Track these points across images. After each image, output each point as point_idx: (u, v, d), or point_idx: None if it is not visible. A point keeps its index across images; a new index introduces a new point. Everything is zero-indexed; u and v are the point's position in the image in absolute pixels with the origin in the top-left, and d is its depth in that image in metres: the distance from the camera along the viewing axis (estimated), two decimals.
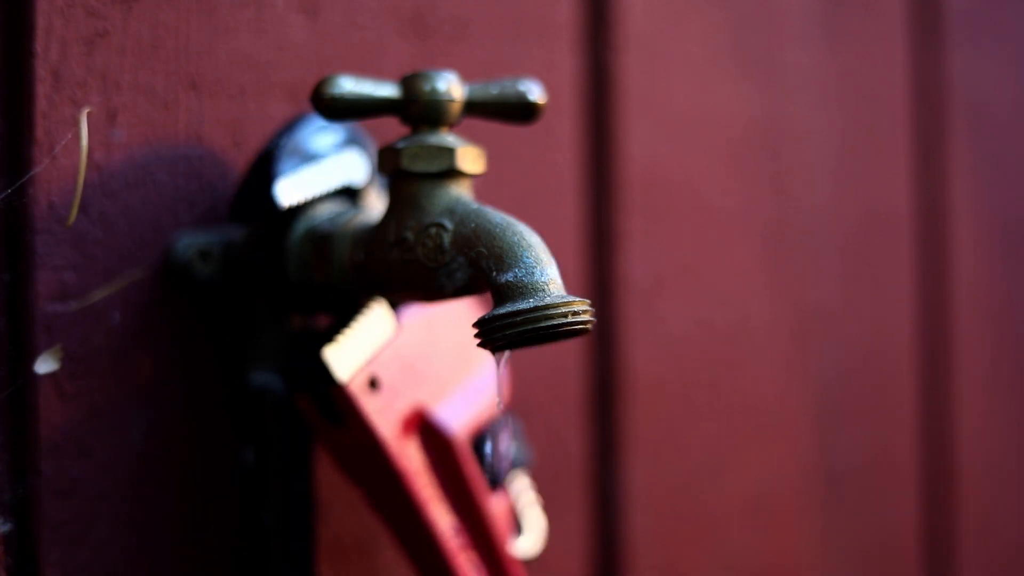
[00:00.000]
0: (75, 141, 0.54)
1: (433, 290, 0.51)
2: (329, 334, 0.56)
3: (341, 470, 0.60)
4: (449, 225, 0.51)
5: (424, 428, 0.59)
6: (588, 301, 0.48)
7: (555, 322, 0.47)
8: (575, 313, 0.47)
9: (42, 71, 0.53)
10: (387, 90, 0.52)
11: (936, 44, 1.07)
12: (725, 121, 0.89)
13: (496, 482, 0.62)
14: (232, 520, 0.59)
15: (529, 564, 0.65)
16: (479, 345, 0.48)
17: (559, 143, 0.78)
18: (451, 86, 0.52)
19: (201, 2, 0.59)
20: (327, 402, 0.56)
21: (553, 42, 0.77)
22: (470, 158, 0.53)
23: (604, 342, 0.81)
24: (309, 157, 0.57)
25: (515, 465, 0.63)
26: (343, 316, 0.57)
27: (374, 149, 0.60)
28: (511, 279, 0.48)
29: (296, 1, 0.63)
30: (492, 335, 0.47)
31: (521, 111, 0.54)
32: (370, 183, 0.60)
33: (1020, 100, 1.16)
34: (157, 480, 0.57)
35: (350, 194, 0.59)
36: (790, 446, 0.94)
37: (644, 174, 0.83)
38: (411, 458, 0.58)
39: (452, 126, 0.53)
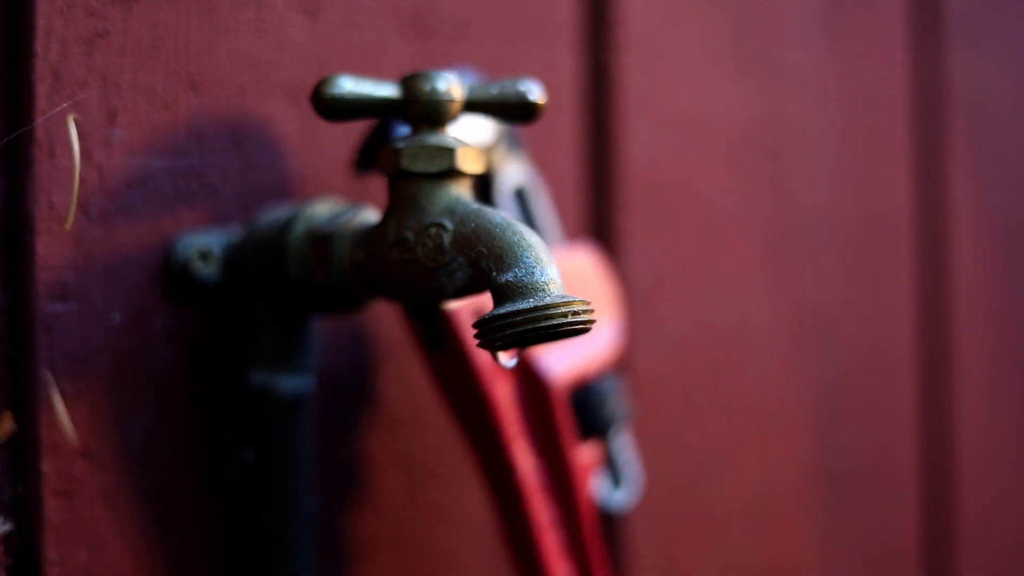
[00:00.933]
0: (79, 142, 0.54)
1: (433, 290, 0.51)
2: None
3: (440, 393, 0.62)
4: (449, 225, 0.51)
5: (524, 370, 0.61)
6: (588, 301, 0.48)
7: (555, 322, 0.47)
8: (575, 313, 0.47)
9: (42, 71, 0.53)
10: (387, 90, 0.52)
11: (936, 44, 1.07)
12: (725, 121, 0.89)
13: (589, 435, 0.64)
14: (232, 520, 0.59)
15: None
16: (479, 345, 0.48)
17: (559, 143, 0.78)
18: (451, 86, 0.52)
19: (201, 2, 0.59)
20: (433, 327, 0.58)
21: (553, 42, 0.77)
22: (470, 158, 0.53)
23: None
24: None
25: (613, 422, 0.65)
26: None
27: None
28: (511, 279, 0.48)
29: (296, 1, 0.63)
30: (492, 335, 0.47)
31: (521, 111, 0.54)
32: (497, 142, 0.60)
33: (1020, 100, 1.16)
34: (157, 480, 0.57)
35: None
36: (790, 446, 0.94)
37: (644, 174, 0.83)
38: (504, 393, 0.60)
39: (451, 126, 0.53)
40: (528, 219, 0.67)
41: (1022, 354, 1.18)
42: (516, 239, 0.49)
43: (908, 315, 1.05)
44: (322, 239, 0.55)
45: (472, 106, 0.54)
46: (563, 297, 0.47)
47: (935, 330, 1.08)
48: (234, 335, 0.59)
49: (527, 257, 0.48)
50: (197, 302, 0.58)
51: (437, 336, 0.58)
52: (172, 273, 0.57)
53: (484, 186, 0.63)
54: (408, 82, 0.52)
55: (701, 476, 0.87)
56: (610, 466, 0.68)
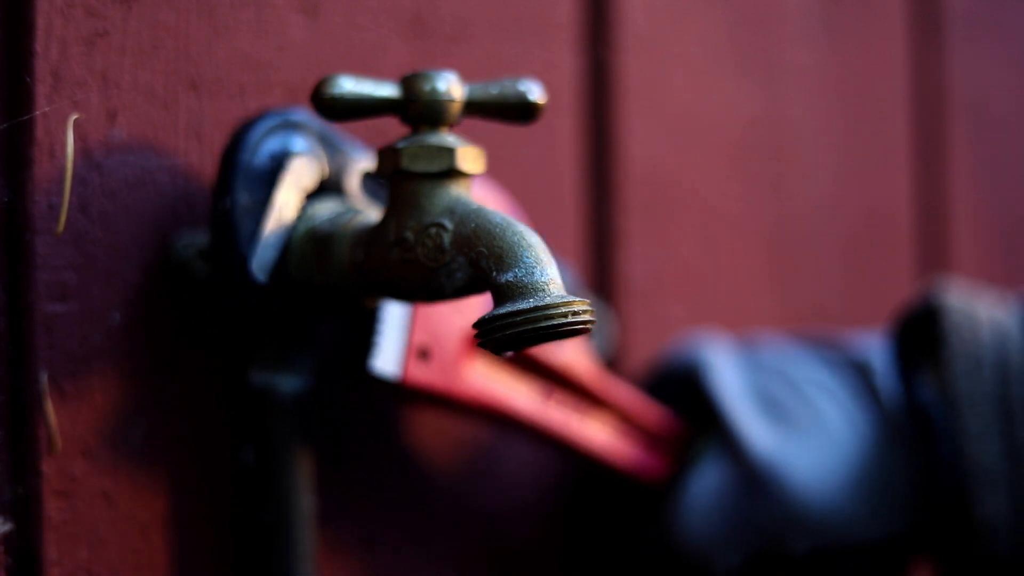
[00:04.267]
0: (76, 144, 0.54)
1: (433, 290, 0.51)
2: (365, 341, 0.59)
3: (438, 410, 0.66)
4: (449, 225, 0.51)
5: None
6: (588, 301, 0.48)
7: (555, 322, 0.47)
8: (575, 313, 0.47)
9: (42, 71, 0.53)
10: (387, 90, 0.52)
11: (936, 44, 1.07)
12: (725, 121, 0.89)
13: None
14: (232, 520, 0.59)
15: None
16: (479, 345, 0.48)
17: (559, 143, 0.78)
18: (451, 86, 0.52)
19: (201, 2, 0.59)
20: (394, 389, 0.60)
21: (553, 42, 0.77)
22: (470, 158, 0.53)
23: None
24: (260, 201, 0.55)
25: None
26: (362, 316, 0.59)
27: (317, 124, 0.59)
28: (511, 279, 0.48)
29: (296, 1, 0.63)
30: (492, 335, 0.47)
31: (521, 111, 0.54)
32: (325, 164, 0.58)
33: (1020, 100, 1.16)
34: (157, 480, 0.57)
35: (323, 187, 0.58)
36: None
37: (644, 174, 0.83)
38: (478, 379, 0.63)
39: (452, 126, 0.53)
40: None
41: None
42: (516, 239, 0.49)
43: None
44: (322, 239, 0.55)
45: (472, 106, 0.54)
46: (563, 297, 0.47)
47: None
48: (234, 335, 0.59)
49: (527, 257, 0.48)
50: (197, 302, 0.58)
51: (400, 391, 0.61)
52: (172, 273, 0.57)
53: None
54: (408, 82, 0.52)
55: None
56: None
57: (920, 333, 0.69)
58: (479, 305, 0.63)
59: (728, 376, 0.72)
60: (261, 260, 0.55)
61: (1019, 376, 0.65)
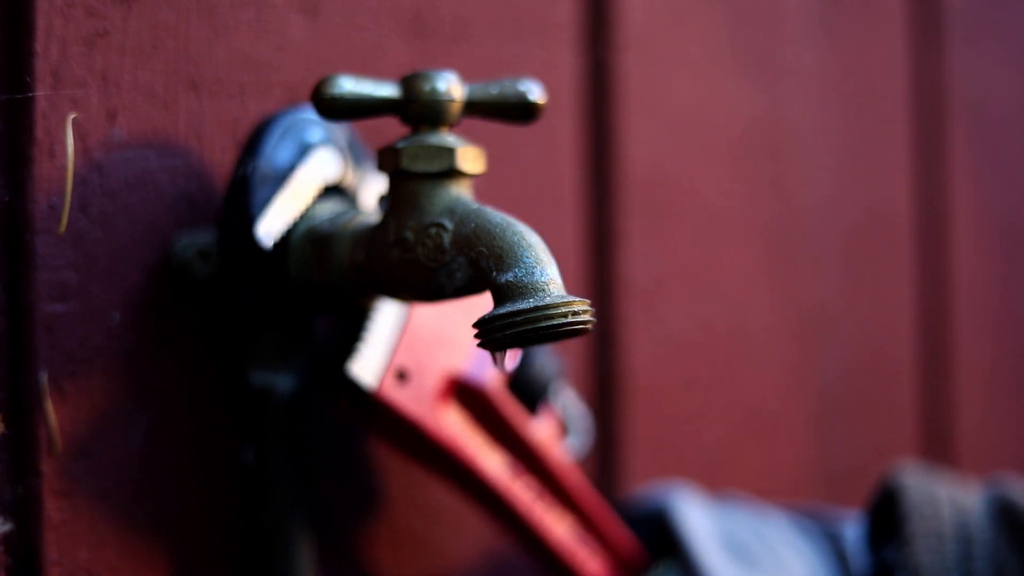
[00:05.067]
0: (76, 145, 0.54)
1: (433, 290, 0.51)
2: (349, 343, 0.58)
3: (394, 448, 0.64)
4: (449, 225, 0.51)
5: (459, 389, 0.62)
6: (588, 301, 0.48)
7: (555, 322, 0.47)
8: (575, 313, 0.47)
9: (42, 71, 0.53)
10: (387, 90, 0.52)
11: (936, 44, 1.07)
12: (725, 121, 0.89)
13: (537, 405, 0.65)
14: (232, 520, 0.59)
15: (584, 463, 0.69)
16: (479, 345, 0.48)
17: (559, 143, 0.78)
18: (451, 86, 0.52)
19: (201, 2, 0.59)
20: (364, 402, 0.59)
21: (553, 42, 0.77)
22: (470, 158, 0.53)
23: (604, 342, 0.81)
24: (280, 175, 0.56)
25: (549, 382, 0.66)
26: (354, 320, 0.59)
27: (346, 135, 0.60)
28: (511, 279, 0.48)
29: (296, 1, 0.63)
30: (492, 335, 0.47)
31: (521, 111, 0.54)
32: (354, 170, 0.59)
33: (1020, 100, 1.16)
34: (157, 480, 0.57)
35: (337, 190, 0.59)
36: (790, 446, 0.94)
37: (644, 174, 0.83)
38: (451, 425, 0.61)
39: (452, 126, 0.53)
40: None
41: (1022, 354, 1.18)
42: (516, 239, 0.49)
43: (908, 315, 1.05)
44: (322, 239, 0.55)
45: (472, 106, 0.54)
46: (563, 297, 0.47)
47: (935, 330, 1.08)
48: (234, 335, 0.59)
49: (527, 257, 0.48)
50: (197, 302, 0.58)
51: (371, 408, 0.59)
52: (172, 273, 0.57)
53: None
54: (408, 82, 0.52)
55: (701, 476, 0.87)
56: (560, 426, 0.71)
57: (887, 510, 0.72)
58: (469, 350, 0.62)
59: (697, 516, 0.72)
60: (268, 226, 0.55)
61: (982, 552, 0.67)
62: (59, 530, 0.54)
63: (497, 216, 0.50)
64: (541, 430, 0.65)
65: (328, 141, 0.58)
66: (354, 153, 0.60)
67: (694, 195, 0.86)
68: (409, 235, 0.52)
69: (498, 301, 0.48)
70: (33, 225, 0.53)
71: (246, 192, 0.55)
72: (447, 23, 0.70)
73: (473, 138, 0.55)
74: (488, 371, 0.62)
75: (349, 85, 0.52)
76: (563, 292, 0.48)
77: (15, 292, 0.53)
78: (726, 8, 0.89)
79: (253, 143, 0.56)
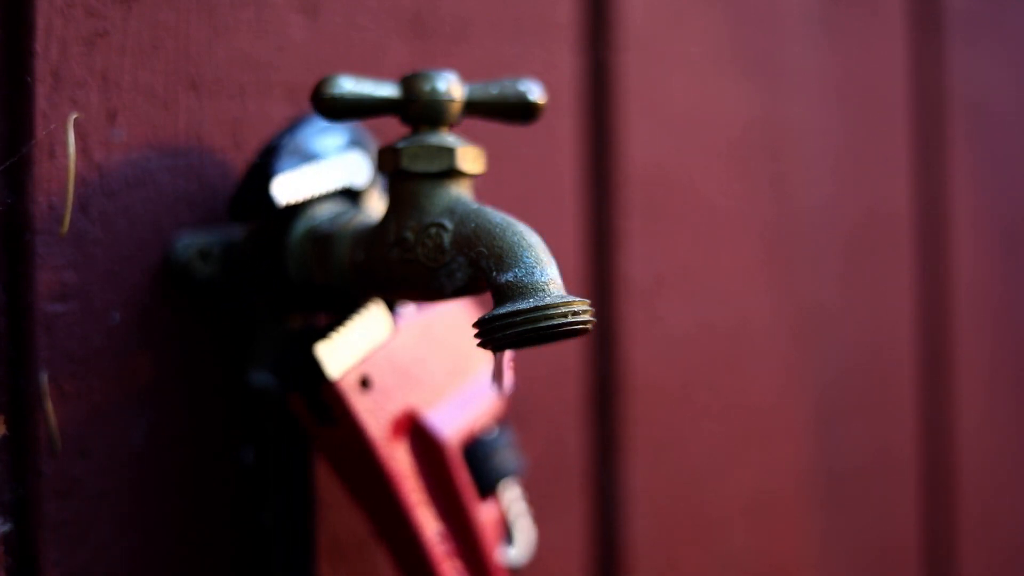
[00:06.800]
0: (76, 144, 0.54)
1: (433, 290, 0.51)
2: (324, 331, 0.56)
3: (333, 471, 0.59)
4: (449, 225, 0.51)
5: (415, 432, 0.59)
6: (588, 301, 0.48)
7: (555, 322, 0.47)
8: (575, 313, 0.47)
9: (42, 71, 0.53)
10: (387, 90, 0.52)
11: (936, 44, 1.07)
12: (725, 121, 0.89)
13: (487, 490, 0.61)
14: (232, 520, 0.59)
15: (521, 572, 0.65)
16: (479, 345, 0.48)
17: (559, 143, 0.78)
18: (451, 86, 0.52)
19: (201, 2, 0.59)
20: (318, 400, 0.56)
21: (553, 42, 0.77)
22: (470, 158, 0.53)
23: (604, 342, 0.81)
24: (310, 157, 0.57)
25: (507, 474, 0.62)
26: (342, 316, 0.57)
27: (376, 151, 0.60)
28: (511, 279, 0.48)
29: (296, 1, 0.63)
30: (492, 335, 0.47)
31: (521, 111, 0.54)
32: (372, 185, 0.60)
33: (1020, 100, 1.16)
34: (157, 480, 0.57)
35: (351, 195, 0.59)
36: (790, 446, 0.94)
37: (644, 174, 0.83)
38: (399, 460, 0.57)
39: (452, 126, 0.53)
40: None
41: (1022, 354, 1.18)
42: (516, 239, 0.49)
43: (908, 315, 1.05)
44: (322, 239, 0.55)
45: (472, 106, 0.54)
46: (563, 297, 0.47)
47: (935, 330, 1.08)
48: (234, 335, 0.59)
49: (527, 257, 0.48)
50: (197, 302, 0.58)
51: (324, 409, 0.56)
52: (172, 273, 0.57)
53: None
54: (408, 82, 0.52)
55: (701, 476, 0.87)
56: (503, 523, 0.65)
57: None
58: (437, 399, 0.59)
59: None
60: (284, 185, 0.55)
61: None
62: (59, 530, 0.54)
63: (497, 216, 0.50)
64: (486, 513, 0.61)
65: (366, 149, 0.59)
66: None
67: (694, 195, 0.86)
68: (409, 235, 0.52)
69: (498, 301, 0.48)
70: (33, 225, 0.53)
71: (273, 155, 0.56)
72: (447, 23, 0.70)
73: (473, 138, 0.55)
74: (450, 429, 0.59)
75: (349, 85, 0.52)
76: (563, 292, 0.48)
77: (15, 292, 0.53)
78: (726, 8, 0.89)
79: (293, 125, 0.57)
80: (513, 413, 0.71)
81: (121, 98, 0.56)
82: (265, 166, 0.56)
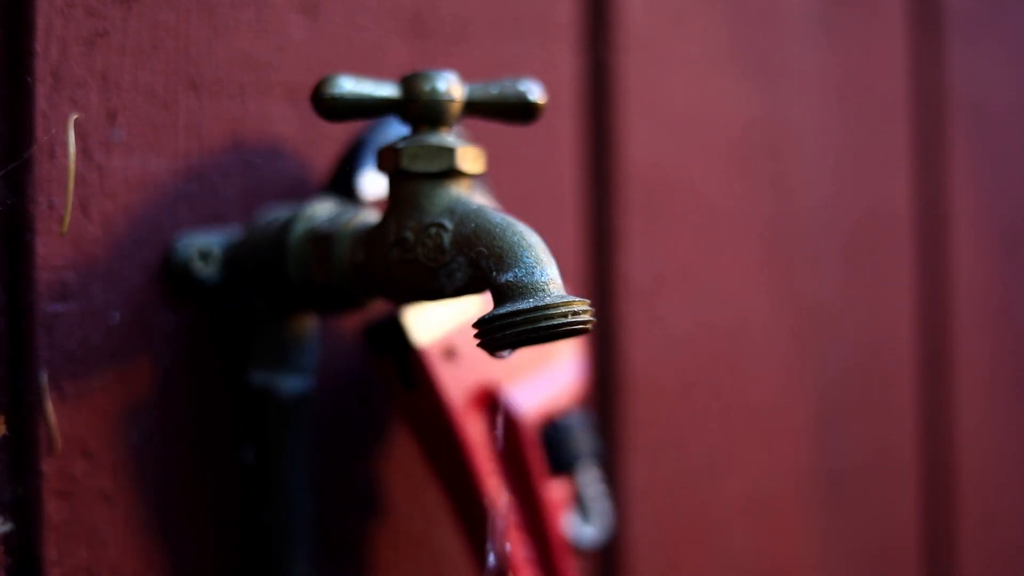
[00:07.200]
0: (77, 144, 0.54)
1: (433, 290, 0.51)
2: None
3: (411, 436, 0.62)
4: (449, 225, 0.51)
5: (494, 406, 0.61)
6: (588, 301, 0.48)
7: (555, 322, 0.47)
8: (575, 313, 0.47)
9: (42, 71, 0.53)
10: (387, 90, 0.52)
11: (936, 44, 1.07)
12: (725, 121, 0.89)
13: (561, 470, 0.64)
14: (232, 520, 0.59)
15: (593, 554, 0.66)
16: (479, 345, 0.48)
17: (559, 143, 0.78)
18: (451, 86, 0.52)
19: (201, 2, 0.59)
20: (405, 365, 0.58)
21: (553, 42, 0.77)
22: (470, 158, 0.53)
23: (604, 342, 0.81)
24: None
25: (583, 456, 0.64)
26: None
27: None
28: (511, 279, 0.48)
29: (296, 1, 0.63)
30: (492, 335, 0.47)
31: (521, 111, 0.54)
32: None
33: (1020, 100, 1.16)
34: (157, 480, 0.57)
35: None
36: (790, 446, 0.94)
37: (644, 174, 0.83)
38: (475, 430, 0.60)
39: (452, 126, 0.53)
40: None
41: (1022, 354, 1.18)
42: (516, 239, 0.49)
43: (908, 315, 1.05)
44: (322, 239, 0.55)
45: (472, 106, 0.54)
46: (563, 297, 0.47)
47: (935, 330, 1.08)
48: (234, 335, 0.59)
49: (527, 257, 0.48)
50: (197, 302, 0.58)
51: (408, 374, 0.59)
52: (172, 273, 0.57)
53: None
54: (408, 82, 0.52)
55: (701, 476, 0.87)
56: (579, 502, 0.67)
57: None
58: (521, 378, 0.61)
59: None
60: (372, 183, 0.59)
61: None
62: (59, 530, 0.54)
63: (497, 216, 0.50)
64: (555, 491, 0.64)
65: None
66: None
67: (694, 195, 0.86)
68: (409, 235, 0.52)
69: (498, 301, 0.48)
70: (33, 225, 0.53)
71: (360, 149, 0.59)
72: (447, 23, 0.70)
73: (473, 138, 0.55)
74: (528, 406, 0.62)
75: (349, 85, 0.52)
76: (563, 292, 0.48)
77: (15, 292, 0.53)
78: (726, 8, 0.89)
79: (382, 122, 0.59)
80: (584, 406, 0.71)
81: (121, 98, 0.56)
82: (352, 159, 0.60)
